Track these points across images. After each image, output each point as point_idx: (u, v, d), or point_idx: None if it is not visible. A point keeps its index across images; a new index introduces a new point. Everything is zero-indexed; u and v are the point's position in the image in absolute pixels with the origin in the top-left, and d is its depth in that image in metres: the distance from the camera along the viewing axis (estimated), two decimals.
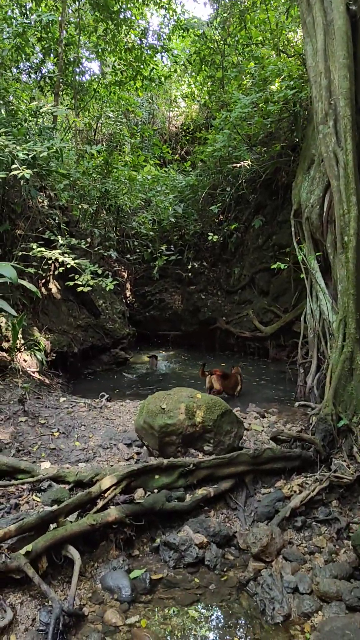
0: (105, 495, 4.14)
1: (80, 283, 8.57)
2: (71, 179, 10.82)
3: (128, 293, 15.18)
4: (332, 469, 5.10)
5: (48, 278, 11.24)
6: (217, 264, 16.20)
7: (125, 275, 14.71)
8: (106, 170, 12.96)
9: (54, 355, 10.37)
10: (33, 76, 17.11)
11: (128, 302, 15.50)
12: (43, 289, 11.27)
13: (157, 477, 4.52)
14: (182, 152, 22.76)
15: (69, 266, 8.76)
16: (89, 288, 8.58)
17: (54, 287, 11.62)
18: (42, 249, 8.22)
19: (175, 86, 23.30)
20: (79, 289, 8.95)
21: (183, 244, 16.08)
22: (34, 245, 8.37)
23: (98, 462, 5.68)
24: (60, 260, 8.23)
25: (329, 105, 7.36)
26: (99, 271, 8.88)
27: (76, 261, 8.34)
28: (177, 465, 4.53)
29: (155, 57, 14.39)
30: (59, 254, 8.28)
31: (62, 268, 8.95)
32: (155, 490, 4.46)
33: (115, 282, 13.33)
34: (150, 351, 15.36)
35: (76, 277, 8.64)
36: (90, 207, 12.33)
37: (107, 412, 7.21)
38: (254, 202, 14.77)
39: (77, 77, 15.63)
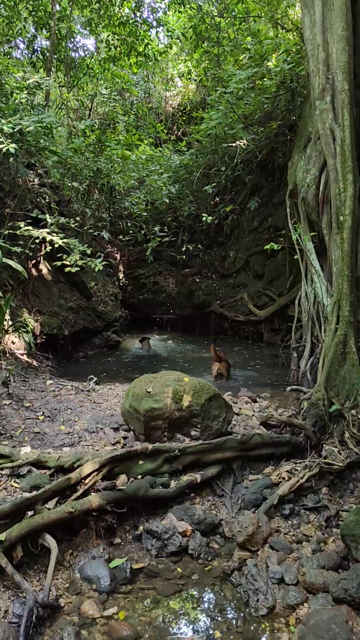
0: (86, 481, 3.98)
1: (68, 263, 8.30)
2: (62, 156, 10.50)
3: (121, 275, 14.96)
4: (323, 455, 4.96)
5: (38, 259, 11.01)
6: (212, 247, 15.97)
7: (118, 257, 14.47)
8: (99, 149, 12.64)
9: (44, 337, 10.18)
10: (25, 52, 16.71)
11: (121, 284, 15.28)
12: (33, 270, 11.03)
13: (141, 462, 4.36)
14: (179, 132, 22.35)
15: (56, 246, 8.55)
16: (77, 269, 8.36)
17: (44, 268, 11.39)
18: (30, 227, 7.97)
19: (173, 64, 22.81)
20: (67, 269, 8.72)
21: (178, 226, 15.82)
22: (22, 224, 8.11)
23: (83, 447, 5.52)
24: (48, 239, 7.97)
25: (326, 79, 7.10)
26: (88, 251, 8.64)
27: (64, 241, 8.09)
28: (162, 451, 4.37)
29: (150, 32, 13.96)
30: (47, 233, 8.03)
31: (50, 248, 8.70)
32: (139, 477, 4.31)
33: (106, 264, 13.15)
34: (144, 334, 15.20)
35: (64, 257, 8.39)
36: (81, 186, 12.04)
37: (94, 395, 7.04)
38: (250, 183, 14.49)
39: (70, 53, 15.23)
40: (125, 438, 5.63)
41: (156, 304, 16.10)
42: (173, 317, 15.80)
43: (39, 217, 9.48)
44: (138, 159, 13.44)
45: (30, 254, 9.85)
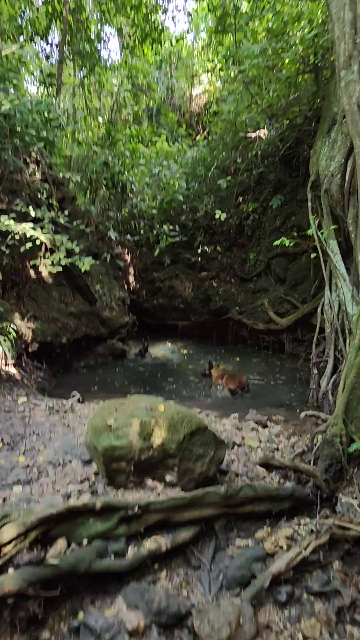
0: (5, 551, 2.93)
1: (50, 263, 7.32)
2: (56, 145, 9.56)
3: (131, 278, 13.94)
4: (337, 510, 3.79)
5: (38, 259, 10.10)
6: (232, 249, 14.83)
7: (129, 259, 13.47)
8: (108, 143, 11.69)
9: (37, 345, 9.24)
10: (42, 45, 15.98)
11: (131, 288, 14.26)
12: (31, 272, 10.13)
13: (89, 521, 3.28)
14: (205, 132, 21.31)
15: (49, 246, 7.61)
16: (59, 268, 7.36)
17: (44, 270, 10.46)
18: (11, 222, 7.02)
19: (199, 60, 21.79)
20: (48, 269, 7.73)
21: (195, 227, 14.77)
22: (3, 218, 7.17)
23: (41, 486, 4.49)
24: (28, 235, 7.01)
25: (353, 44, 5.92)
26: (77, 249, 7.63)
27: (48, 237, 7.10)
28: (116, 507, 3.27)
29: (164, 16, 12.94)
30: (31, 228, 7.07)
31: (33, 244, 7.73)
32: (86, 541, 3.23)
33: (116, 267, 12.18)
34: (157, 343, 14.14)
35: (46, 256, 7.42)
36: (85, 181, 11.10)
37: (71, 417, 6.01)
38: (274, 180, 13.32)
39: (84, 44, 14.38)
40: (97, 474, 4.57)
41: (171, 310, 15.03)
42: (188, 323, 14.70)
43: (23, 211, 8.54)
44: (152, 155, 12.42)
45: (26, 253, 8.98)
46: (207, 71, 21.42)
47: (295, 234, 10.66)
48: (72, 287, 11.01)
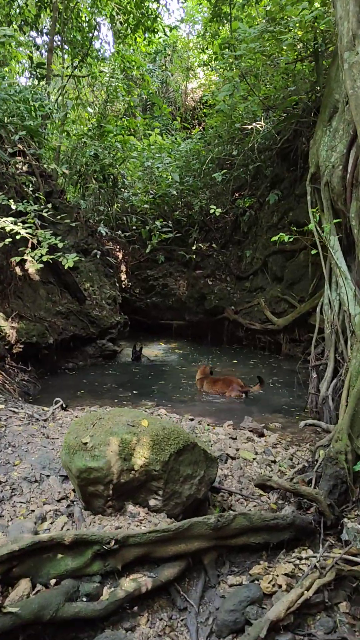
0: None
1: (30, 258, 6.86)
2: (41, 134, 9.08)
3: (123, 276, 13.47)
4: (343, 538, 3.36)
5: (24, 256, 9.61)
6: (228, 246, 14.41)
7: (120, 256, 13.00)
8: (98, 134, 11.21)
9: (21, 347, 8.78)
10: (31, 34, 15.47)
11: (124, 286, 13.80)
12: (17, 269, 9.66)
13: (59, 556, 2.83)
14: (201, 127, 20.85)
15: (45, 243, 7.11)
16: (40, 265, 6.88)
17: (31, 266, 9.98)
18: None
19: (194, 53, 21.31)
20: (29, 266, 7.25)
21: (191, 223, 14.33)
22: None
23: (13, 506, 4.04)
24: (7, 230, 6.53)
25: (357, 23, 5.48)
26: (60, 245, 7.17)
27: (27, 231, 6.63)
28: (89, 542, 2.83)
29: (157, 4, 12.45)
30: (12, 222, 6.60)
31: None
32: (54, 581, 2.78)
33: (107, 263, 11.71)
34: (150, 343, 13.70)
35: (27, 252, 6.95)
36: (73, 173, 10.63)
37: (52, 426, 5.55)
38: (271, 174, 12.88)
39: (74, 34, 13.88)
40: (75, 492, 4.13)
41: (165, 309, 14.59)
42: (183, 323, 14.26)
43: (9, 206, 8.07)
44: (144, 147, 11.95)
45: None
46: (203, 64, 20.95)
47: (295, 228, 10.24)
48: (60, 285, 10.55)
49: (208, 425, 6.32)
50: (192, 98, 22.66)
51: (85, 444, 3.26)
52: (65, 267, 7.11)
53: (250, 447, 5.33)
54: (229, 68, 9.89)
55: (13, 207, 7.11)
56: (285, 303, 11.56)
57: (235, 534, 3.05)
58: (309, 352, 8.57)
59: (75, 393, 8.19)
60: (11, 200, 7.25)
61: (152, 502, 3.37)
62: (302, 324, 10.94)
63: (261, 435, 6.07)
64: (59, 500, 4.11)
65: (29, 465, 4.61)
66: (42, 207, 7.71)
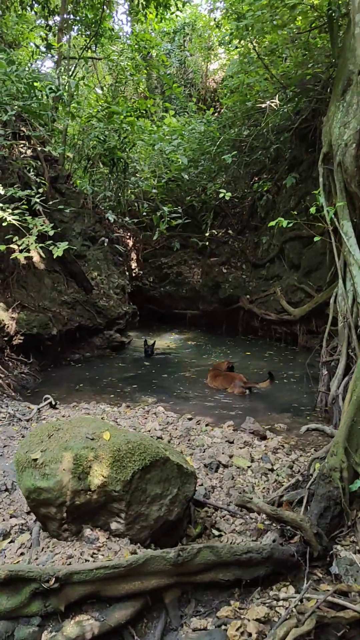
0: None
1: (16, 247, 6.48)
2: (44, 116, 8.67)
3: (134, 264, 13.04)
4: (333, 571, 2.91)
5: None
6: (245, 232, 13.83)
7: (131, 243, 12.57)
8: (107, 116, 10.74)
9: (22, 338, 8.48)
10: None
11: (135, 275, 13.38)
12: (21, 257, 9.33)
13: None
14: (222, 110, 20.13)
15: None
16: (27, 254, 6.50)
17: (35, 255, 9.64)
18: None
19: (213, 32, 20.48)
20: (15, 255, 6.84)
21: (206, 209, 13.80)
22: None
23: None
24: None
25: None
26: (51, 232, 6.77)
27: (15, 218, 6.25)
28: (26, 579, 2.45)
29: None
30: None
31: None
32: None
33: (114, 251, 11.31)
34: (163, 333, 13.30)
35: (14, 239, 6.57)
36: (82, 158, 10.21)
37: (34, 426, 5.20)
38: (289, 156, 12.23)
39: (86, 12, 13.36)
40: None
41: (179, 298, 14.14)
42: (197, 312, 13.79)
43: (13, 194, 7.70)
44: (156, 128, 11.42)
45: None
46: (223, 43, 20.13)
47: (313, 209, 9.62)
48: (66, 274, 10.21)
49: (207, 425, 5.89)
50: (213, 80, 21.91)
51: (35, 460, 2.87)
52: (55, 256, 6.70)
53: (246, 453, 4.88)
54: (241, 41, 9.25)
55: (1, 192, 6.71)
56: (302, 292, 10.98)
57: (200, 570, 2.63)
58: (326, 345, 8.04)
59: (74, 387, 7.87)
60: (8, 188, 6.88)
61: (114, 526, 2.98)
62: (320, 314, 10.34)
63: (263, 437, 5.61)
64: (28, 513, 3.76)
65: (1, 471, 4.28)
66: (35, 192, 7.28)
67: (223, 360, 8.97)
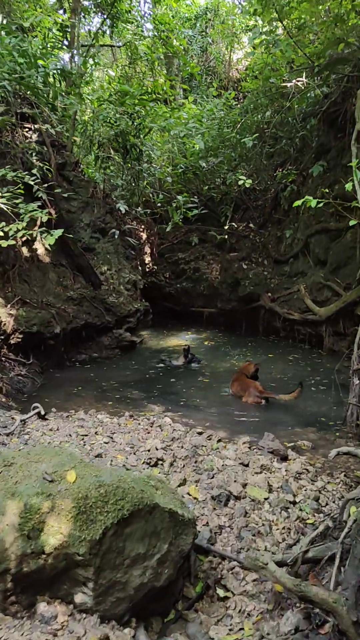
0: None
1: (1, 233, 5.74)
2: (42, 94, 7.95)
3: (147, 259, 12.27)
4: None
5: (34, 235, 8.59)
6: (267, 226, 12.96)
7: (145, 236, 11.80)
8: (119, 98, 9.99)
9: (20, 337, 7.79)
10: None
11: (148, 270, 12.61)
12: (24, 249, 8.66)
13: None
14: (246, 97, 19.18)
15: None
16: (11, 242, 5.76)
17: (40, 247, 8.97)
18: None
19: (238, 18, 19.54)
20: (37, 247, 6.19)
21: (226, 201, 12.96)
22: None
23: None
24: None
25: None
26: (45, 218, 6.03)
27: (1, 202, 5.52)
28: None
29: None
30: None
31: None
32: None
33: (126, 244, 10.57)
34: (179, 332, 12.48)
35: (1, 226, 5.84)
36: (93, 143, 9.48)
37: (14, 443, 4.46)
38: (316, 144, 11.33)
39: None
40: None
41: (196, 295, 13.34)
42: (214, 311, 12.97)
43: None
44: (172, 112, 10.63)
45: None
46: (248, 29, 19.18)
47: (349, 185, 8.72)
48: (72, 268, 9.50)
49: (218, 442, 5.10)
50: (236, 70, 20.99)
51: None
52: (46, 244, 5.98)
53: (263, 480, 4.07)
54: (265, 21, 8.38)
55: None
56: (328, 290, 10.07)
57: None
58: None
59: (75, 392, 7.14)
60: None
61: (79, 598, 2.21)
62: (349, 314, 9.46)
63: (283, 458, 4.79)
64: None
65: None
66: (36, 178, 6.56)
67: (249, 362, 8.06)
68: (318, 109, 10.75)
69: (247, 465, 4.43)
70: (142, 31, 11.53)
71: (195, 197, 10.81)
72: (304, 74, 8.79)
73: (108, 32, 12.75)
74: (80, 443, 4.44)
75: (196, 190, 11.92)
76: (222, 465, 4.36)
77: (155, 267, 12.78)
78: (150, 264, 12.46)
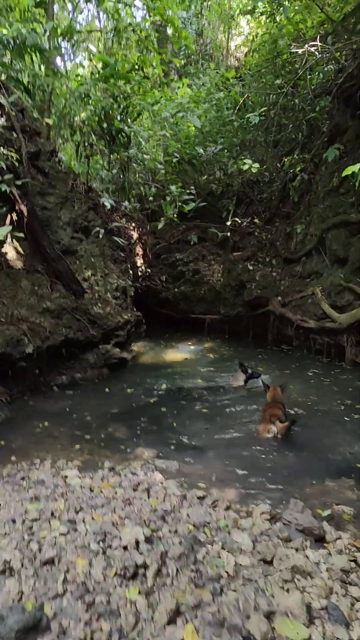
0: None
1: None
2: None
3: (139, 261, 10.86)
4: None
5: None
6: (274, 221, 11.54)
7: (136, 235, 10.39)
8: (103, 77, 8.59)
9: None
10: None
11: (142, 273, 11.21)
12: None
13: None
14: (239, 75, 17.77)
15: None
16: None
17: (10, 250, 7.57)
18: None
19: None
20: (7, 250, 4.79)
21: (227, 194, 11.58)
22: None
23: None
24: None
25: None
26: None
27: None
28: None
29: None
30: None
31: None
32: None
33: (114, 245, 9.20)
34: (178, 342, 11.05)
35: None
36: (75, 128, 8.10)
37: None
38: (329, 126, 9.91)
39: None
40: None
41: (196, 300, 11.95)
42: (217, 318, 11.56)
43: None
44: (163, 92, 9.22)
45: None
46: (246, 12, 17.74)
47: None
48: (50, 274, 8.10)
49: (227, 509, 3.69)
50: (235, 57, 19.61)
51: None
52: (19, 247, 4.59)
53: (298, 600, 2.64)
54: None
55: None
56: (349, 293, 8.67)
57: None
58: None
59: (45, 430, 5.72)
60: None
61: None
62: None
63: (319, 539, 3.39)
64: None
65: None
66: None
67: (273, 387, 6.51)
68: (332, 85, 9.33)
69: (270, 563, 3.01)
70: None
71: (192, 188, 9.39)
72: (318, 38, 7.37)
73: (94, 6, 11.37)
74: (24, 537, 3.02)
75: (193, 182, 10.51)
76: (234, 567, 2.94)
77: (150, 270, 11.37)
78: (144, 267, 11.05)
